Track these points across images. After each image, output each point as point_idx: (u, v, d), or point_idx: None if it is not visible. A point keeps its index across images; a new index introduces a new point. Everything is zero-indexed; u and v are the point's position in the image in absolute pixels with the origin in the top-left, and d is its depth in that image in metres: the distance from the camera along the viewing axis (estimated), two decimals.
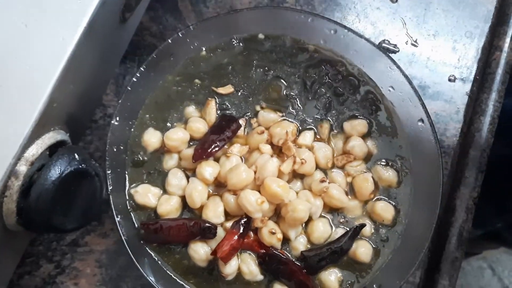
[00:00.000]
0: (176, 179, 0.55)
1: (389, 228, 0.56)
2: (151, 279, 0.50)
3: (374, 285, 0.54)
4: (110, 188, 0.53)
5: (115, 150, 0.55)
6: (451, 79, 0.67)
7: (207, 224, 0.53)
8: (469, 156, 0.64)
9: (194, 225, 0.53)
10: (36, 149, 0.44)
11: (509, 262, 1.48)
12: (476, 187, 0.62)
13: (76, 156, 0.45)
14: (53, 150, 0.46)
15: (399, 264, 0.54)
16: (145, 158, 0.57)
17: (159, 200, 0.55)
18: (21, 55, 0.43)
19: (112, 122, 0.54)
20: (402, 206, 0.57)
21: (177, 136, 0.56)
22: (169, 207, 0.54)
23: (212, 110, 0.58)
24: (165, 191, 0.56)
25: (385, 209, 0.56)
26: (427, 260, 0.61)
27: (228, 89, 0.60)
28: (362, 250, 0.55)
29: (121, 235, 0.51)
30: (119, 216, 0.52)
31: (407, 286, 0.60)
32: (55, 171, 0.43)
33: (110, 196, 0.52)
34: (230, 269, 0.53)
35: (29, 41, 0.44)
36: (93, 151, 0.61)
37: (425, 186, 0.56)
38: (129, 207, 0.55)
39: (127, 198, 0.55)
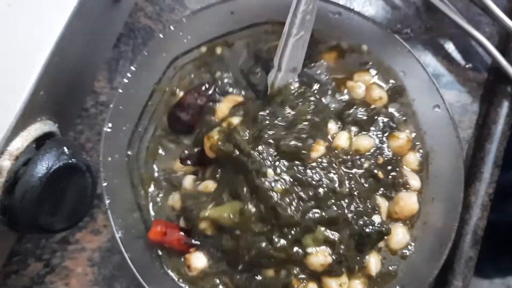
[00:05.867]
0: None
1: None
2: (144, 282, 0.46)
3: (397, 286, 0.51)
4: (108, 201, 0.49)
5: (109, 159, 0.50)
6: (467, 68, 0.63)
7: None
8: (484, 149, 0.60)
9: None
10: (21, 142, 0.40)
11: None
12: (492, 183, 0.59)
13: (66, 150, 0.41)
14: (41, 142, 0.42)
15: (421, 263, 0.51)
16: None
17: None
18: (3, 38, 0.39)
19: (104, 129, 0.50)
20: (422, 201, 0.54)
21: None
22: None
23: None
24: None
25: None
26: None
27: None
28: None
29: (116, 233, 0.48)
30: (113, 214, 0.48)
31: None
32: (42, 167, 0.39)
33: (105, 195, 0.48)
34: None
35: (13, 23, 0.40)
36: (84, 142, 0.57)
37: (445, 177, 0.53)
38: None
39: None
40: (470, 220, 0.58)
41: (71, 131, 0.56)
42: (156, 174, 0.54)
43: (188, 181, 0.53)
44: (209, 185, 0.51)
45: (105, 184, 0.48)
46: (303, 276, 0.49)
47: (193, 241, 0.50)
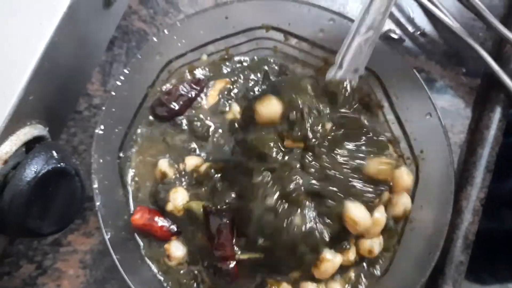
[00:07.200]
0: None
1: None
2: (133, 285, 0.47)
3: None
4: (98, 203, 0.49)
5: (101, 161, 0.50)
6: (460, 73, 0.63)
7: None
8: (476, 154, 0.60)
9: None
10: (10, 146, 0.40)
11: None
12: (484, 188, 0.59)
13: (54, 154, 0.41)
14: (31, 146, 0.42)
15: (409, 270, 0.51)
16: None
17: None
18: None
19: (96, 131, 0.50)
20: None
21: None
22: None
23: None
24: None
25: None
26: None
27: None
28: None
29: (105, 235, 0.48)
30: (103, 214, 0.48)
31: None
32: (31, 171, 0.39)
33: (96, 196, 0.48)
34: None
35: (2, 28, 0.40)
36: (77, 144, 0.57)
37: (435, 184, 0.53)
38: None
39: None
40: (461, 224, 0.58)
41: (64, 134, 0.56)
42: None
43: (163, 165, 0.53)
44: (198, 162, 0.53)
45: (95, 185, 0.48)
46: (278, 278, 0.50)
47: (175, 228, 0.51)
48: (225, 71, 0.58)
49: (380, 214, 0.50)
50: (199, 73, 0.57)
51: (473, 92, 0.63)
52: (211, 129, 0.56)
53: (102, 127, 0.50)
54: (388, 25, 0.64)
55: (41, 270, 0.54)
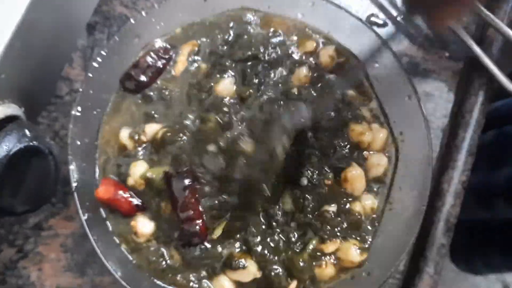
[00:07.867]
0: None
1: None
2: (111, 267, 0.47)
3: (363, 273, 0.51)
4: (75, 184, 0.49)
5: (78, 143, 0.50)
6: (444, 57, 0.63)
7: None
8: (458, 137, 0.60)
9: None
10: None
11: None
12: (466, 171, 0.59)
13: (27, 132, 0.41)
14: (4, 125, 0.42)
15: (388, 250, 0.51)
16: None
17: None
18: None
19: (73, 112, 0.50)
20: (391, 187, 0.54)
21: None
22: None
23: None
24: None
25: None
26: (412, 246, 0.58)
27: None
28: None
29: (81, 216, 0.48)
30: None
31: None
32: (2, 149, 0.40)
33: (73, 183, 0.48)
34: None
35: None
36: (58, 129, 0.57)
37: (414, 166, 0.53)
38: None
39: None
40: (443, 207, 0.58)
41: (45, 119, 0.57)
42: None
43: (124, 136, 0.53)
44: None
45: (72, 167, 0.48)
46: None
47: (138, 201, 0.51)
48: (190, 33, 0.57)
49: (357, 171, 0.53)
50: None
51: (456, 76, 0.63)
52: (178, 94, 0.55)
53: (79, 108, 0.50)
54: (371, 9, 0.64)
55: (22, 254, 0.55)
